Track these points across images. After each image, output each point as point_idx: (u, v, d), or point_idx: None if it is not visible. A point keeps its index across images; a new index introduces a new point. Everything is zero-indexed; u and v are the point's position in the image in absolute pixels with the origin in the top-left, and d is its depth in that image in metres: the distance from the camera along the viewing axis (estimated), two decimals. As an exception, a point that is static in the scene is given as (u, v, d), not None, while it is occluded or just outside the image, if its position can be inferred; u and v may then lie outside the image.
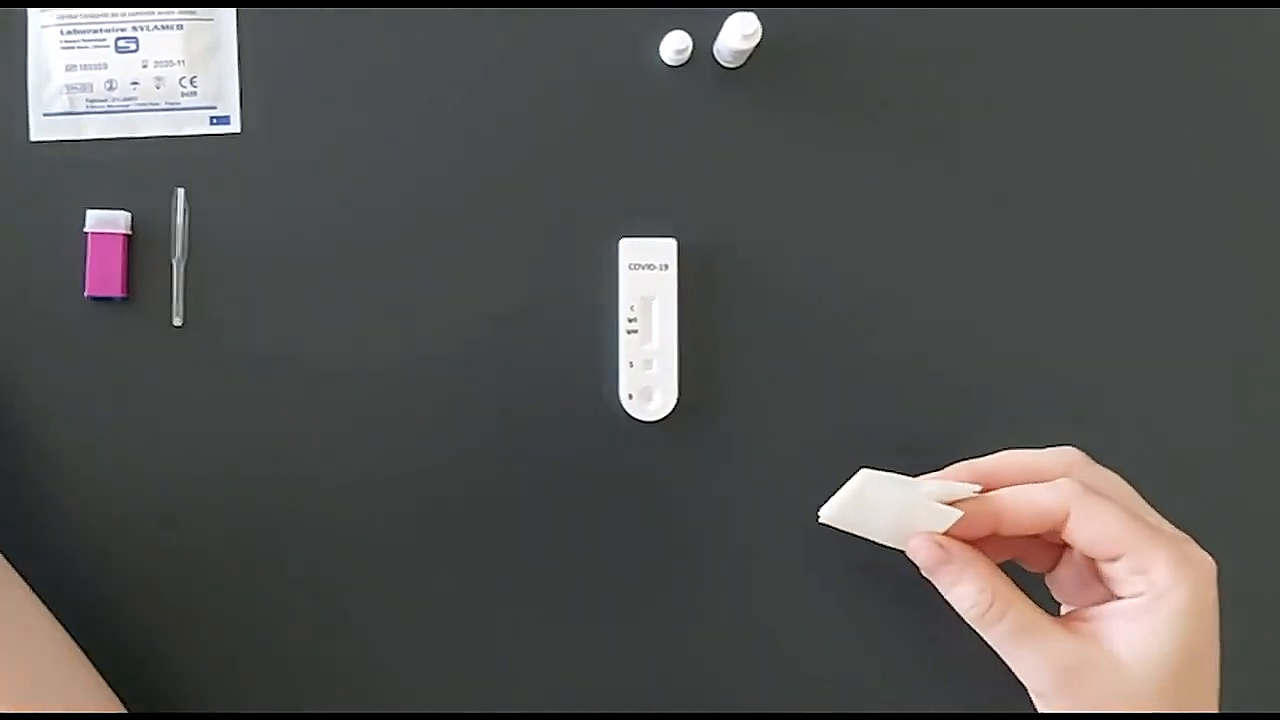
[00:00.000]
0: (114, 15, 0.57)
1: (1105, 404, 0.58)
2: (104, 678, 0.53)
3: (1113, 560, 0.47)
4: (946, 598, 0.49)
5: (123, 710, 0.53)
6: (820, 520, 0.50)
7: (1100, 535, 0.47)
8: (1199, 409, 0.58)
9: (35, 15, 0.56)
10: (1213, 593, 0.47)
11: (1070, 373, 0.58)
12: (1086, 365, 0.58)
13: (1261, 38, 0.60)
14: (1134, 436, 0.58)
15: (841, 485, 0.49)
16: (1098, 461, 0.50)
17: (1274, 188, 0.59)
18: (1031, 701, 0.49)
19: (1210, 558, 0.47)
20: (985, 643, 0.49)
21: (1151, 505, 0.50)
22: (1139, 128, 0.59)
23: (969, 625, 0.49)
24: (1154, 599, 0.46)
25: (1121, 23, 0.59)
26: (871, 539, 0.50)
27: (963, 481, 0.49)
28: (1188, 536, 0.48)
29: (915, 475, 0.50)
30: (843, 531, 0.50)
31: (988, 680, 0.51)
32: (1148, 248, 0.59)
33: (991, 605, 0.47)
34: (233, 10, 0.57)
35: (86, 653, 0.52)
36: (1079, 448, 0.51)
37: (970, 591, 0.48)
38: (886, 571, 0.55)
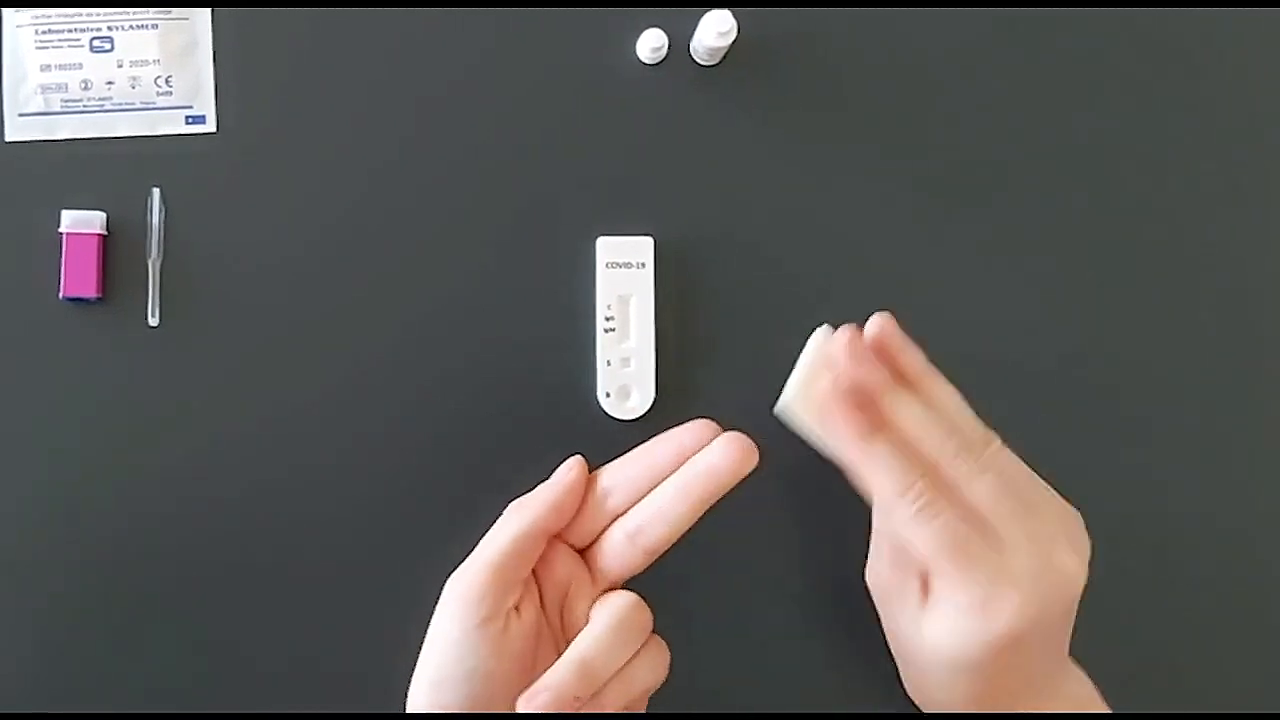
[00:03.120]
0: (89, 15, 0.56)
1: (1102, 404, 0.58)
2: (86, 678, 0.52)
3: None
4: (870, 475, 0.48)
5: None
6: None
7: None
8: (1198, 408, 0.58)
9: (10, 15, 0.56)
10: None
11: (1059, 372, 0.58)
12: (1077, 365, 0.58)
13: (1258, 38, 0.60)
14: (1132, 436, 0.58)
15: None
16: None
17: (1272, 188, 0.59)
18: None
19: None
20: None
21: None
22: (1119, 121, 0.59)
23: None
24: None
25: (1100, 18, 0.59)
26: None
27: None
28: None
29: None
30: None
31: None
32: (1134, 242, 0.59)
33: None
34: (208, 10, 0.57)
35: (68, 653, 0.52)
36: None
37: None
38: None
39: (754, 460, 0.47)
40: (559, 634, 0.49)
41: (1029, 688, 0.48)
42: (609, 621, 0.46)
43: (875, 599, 0.52)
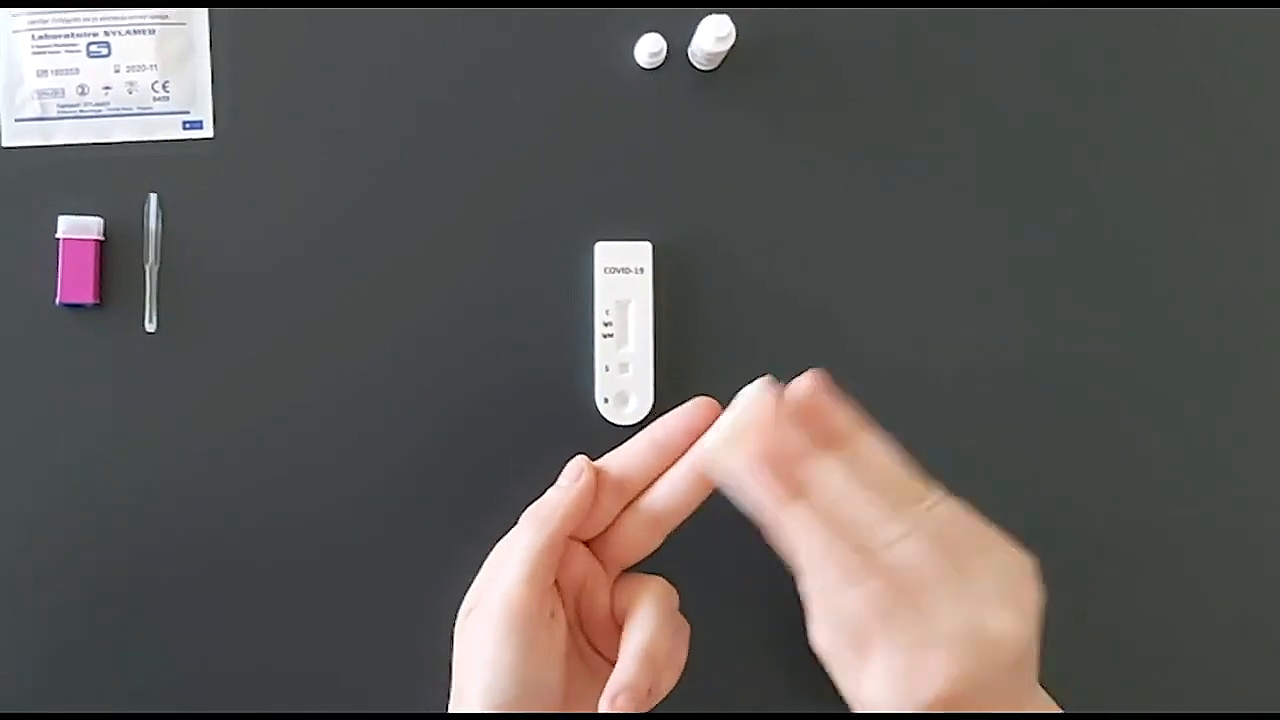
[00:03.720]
0: (86, 20, 0.56)
1: (1097, 404, 0.58)
2: (84, 680, 0.53)
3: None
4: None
5: None
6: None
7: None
8: (1196, 409, 0.58)
9: (6, 21, 0.56)
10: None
11: (1056, 372, 0.58)
12: (1073, 365, 0.58)
13: (1258, 38, 0.60)
14: (1130, 437, 0.58)
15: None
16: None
17: (1269, 188, 0.59)
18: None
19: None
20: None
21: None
22: (1119, 123, 0.59)
23: None
24: None
25: (1100, 20, 0.59)
26: None
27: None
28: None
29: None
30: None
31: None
32: (1134, 244, 0.59)
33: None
34: (205, 16, 0.57)
35: (66, 656, 0.52)
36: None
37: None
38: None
39: None
40: (578, 628, 0.50)
41: None
42: (658, 612, 0.48)
43: (823, 660, 0.49)
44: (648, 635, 0.47)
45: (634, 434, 0.55)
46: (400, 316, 0.57)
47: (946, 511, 0.47)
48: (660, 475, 0.50)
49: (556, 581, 0.49)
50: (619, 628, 0.50)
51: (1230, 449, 0.58)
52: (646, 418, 0.56)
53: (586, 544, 0.51)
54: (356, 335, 0.57)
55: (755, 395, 0.50)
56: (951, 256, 0.58)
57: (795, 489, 0.48)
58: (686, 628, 0.50)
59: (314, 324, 0.57)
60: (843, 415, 0.50)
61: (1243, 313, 0.59)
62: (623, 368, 0.56)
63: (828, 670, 0.49)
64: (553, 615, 0.48)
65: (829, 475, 0.48)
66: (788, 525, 0.47)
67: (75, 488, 0.56)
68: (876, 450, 0.49)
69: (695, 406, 0.51)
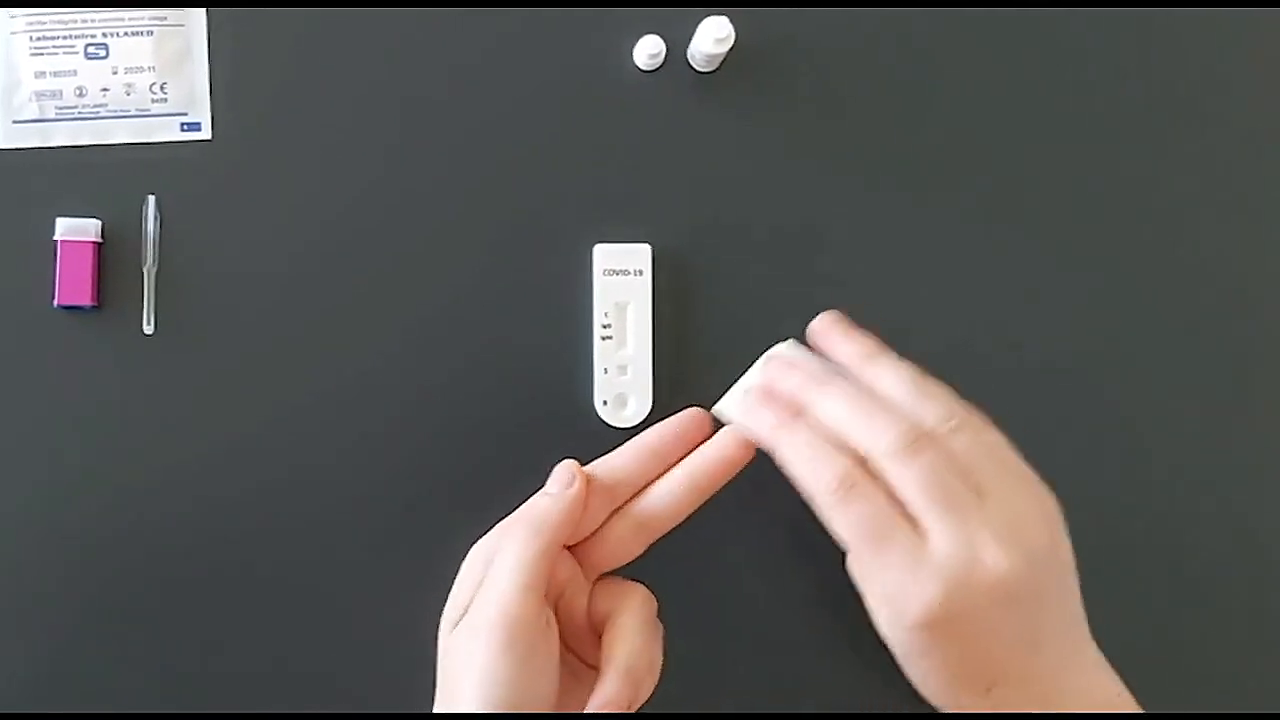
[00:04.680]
0: (84, 21, 0.56)
1: (1096, 405, 0.58)
2: (84, 682, 0.53)
3: None
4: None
5: None
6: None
7: None
8: (1193, 409, 0.58)
9: (4, 23, 0.56)
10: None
11: (1056, 375, 0.58)
12: (1074, 367, 0.58)
13: (1258, 38, 0.59)
14: (1128, 437, 0.58)
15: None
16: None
17: (1268, 189, 0.59)
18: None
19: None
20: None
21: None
22: (1118, 126, 0.59)
23: None
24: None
25: (1100, 22, 0.59)
26: None
27: None
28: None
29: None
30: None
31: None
32: (1134, 244, 0.58)
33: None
34: (204, 17, 0.57)
35: (65, 659, 0.52)
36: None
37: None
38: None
39: (753, 452, 0.50)
40: (557, 630, 0.49)
41: (1014, 675, 0.46)
42: (639, 624, 0.48)
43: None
44: (629, 649, 0.47)
45: (632, 436, 0.56)
46: (399, 318, 0.57)
47: (968, 437, 0.47)
48: (650, 483, 0.50)
49: None
50: (595, 632, 0.49)
51: (1230, 448, 0.58)
52: (645, 420, 0.56)
53: (569, 548, 0.50)
54: (355, 337, 0.56)
55: (771, 351, 0.53)
56: (951, 258, 0.58)
57: (793, 412, 0.49)
58: (661, 629, 0.50)
59: (312, 326, 0.56)
60: (855, 344, 0.50)
61: (1243, 311, 0.59)
62: (621, 370, 0.56)
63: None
64: (548, 624, 0.47)
65: (831, 400, 0.48)
66: (782, 446, 0.48)
67: (73, 490, 0.56)
68: (890, 373, 0.49)
69: (688, 416, 0.51)
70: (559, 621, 0.49)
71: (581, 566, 0.50)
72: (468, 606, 0.48)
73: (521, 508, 0.50)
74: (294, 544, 0.56)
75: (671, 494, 0.50)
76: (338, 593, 0.56)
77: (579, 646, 0.50)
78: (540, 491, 0.50)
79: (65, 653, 0.55)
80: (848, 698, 0.57)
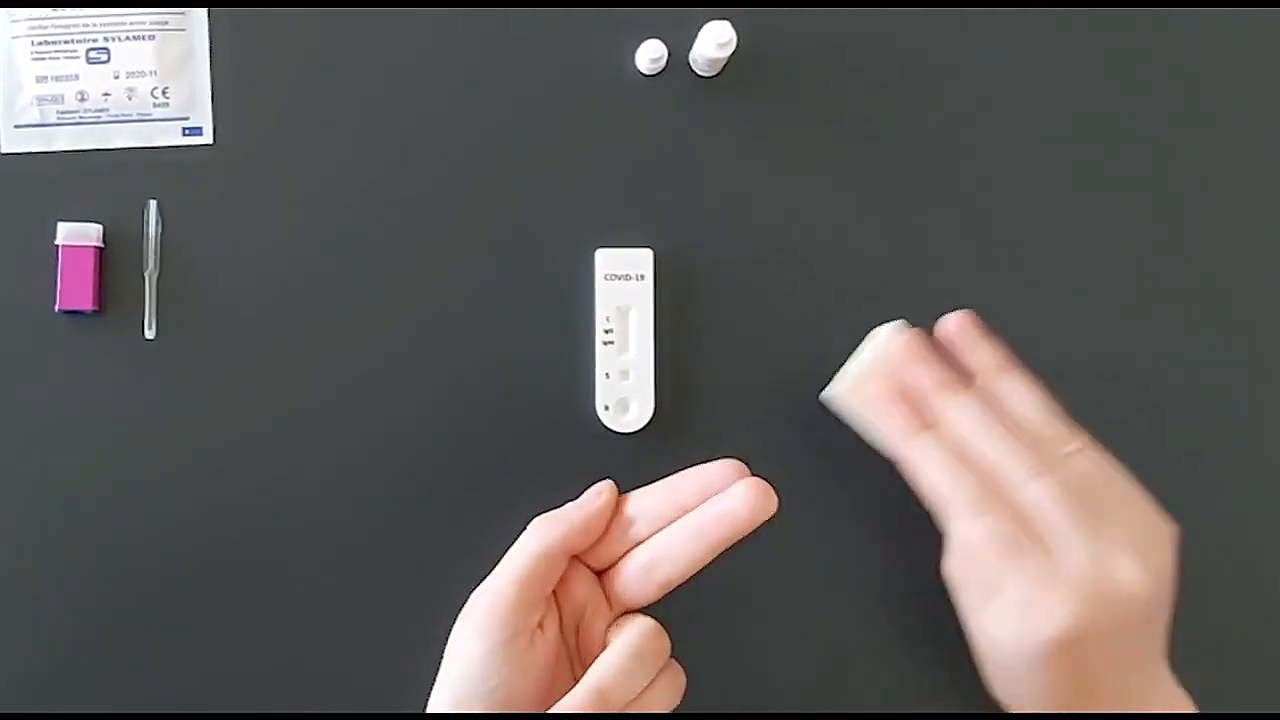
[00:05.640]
0: (85, 26, 0.56)
1: (1095, 405, 0.58)
2: (83, 683, 0.53)
3: None
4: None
5: None
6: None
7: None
8: (1193, 409, 0.58)
9: (6, 27, 0.56)
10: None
11: (1058, 377, 0.58)
12: (1075, 370, 0.58)
13: (1259, 38, 0.59)
14: (1127, 437, 0.57)
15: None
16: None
17: (1267, 189, 0.59)
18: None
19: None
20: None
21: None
22: (1120, 127, 0.59)
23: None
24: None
25: (1099, 23, 0.59)
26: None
27: None
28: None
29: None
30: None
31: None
32: (1134, 244, 0.58)
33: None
34: (205, 22, 0.57)
35: (66, 662, 0.52)
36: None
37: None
38: (868, 572, 0.55)
39: (773, 508, 0.45)
40: (574, 655, 0.49)
41: (1110, 695, 0.47)
42: (626, 649, 0.45)
43: (951, 592, 0.51)
44: (604, 670, 0.45)
45: (634, 442, 0.56)
46: (401, 323, 0.57)
47: (1089, 461, 0.48)
48: (668, 524, 0.47)
49: (556, 598, 0.48)
50: None
51: (1233, 448, 0.58)
52: (647, 426, 0.56)
53: (599, 575, 0.49)
54: (356, 342, 0.56)
55: (885, 336, 0.52)
56: (953, 261, 0.58)
57: (923, 422, 0.49)
58: (674, 671, 0.47)
59: (314, 331, 0.56)
60: (988, 353, 0.51)
61: (1243, 311, 0.59)
62: (623, 375, 0.56)
63: (956, 603, 0.49)
64: (541, 627, 0.46)
65: (962, 410, 0.49)
66: (913, 457, 0.49)
67: (75, 495, 0.56)
68: (1019, 390, 0.50)
69: (721, 467, 0.47)
70: (580, 647, 0.48)
71: (607, 598, 0.49)
72: None
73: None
74: (294, 549, 0.56)
75: (674, 542, 0.47)
76: (338, 598, 0.56)
77: None
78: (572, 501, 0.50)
79: (66, 655, 0.55)
80: (853, 699, 0.57)
